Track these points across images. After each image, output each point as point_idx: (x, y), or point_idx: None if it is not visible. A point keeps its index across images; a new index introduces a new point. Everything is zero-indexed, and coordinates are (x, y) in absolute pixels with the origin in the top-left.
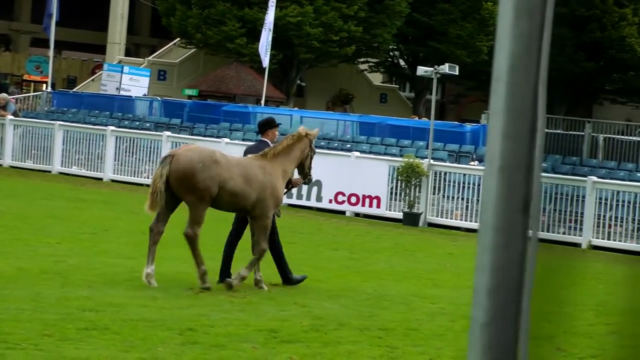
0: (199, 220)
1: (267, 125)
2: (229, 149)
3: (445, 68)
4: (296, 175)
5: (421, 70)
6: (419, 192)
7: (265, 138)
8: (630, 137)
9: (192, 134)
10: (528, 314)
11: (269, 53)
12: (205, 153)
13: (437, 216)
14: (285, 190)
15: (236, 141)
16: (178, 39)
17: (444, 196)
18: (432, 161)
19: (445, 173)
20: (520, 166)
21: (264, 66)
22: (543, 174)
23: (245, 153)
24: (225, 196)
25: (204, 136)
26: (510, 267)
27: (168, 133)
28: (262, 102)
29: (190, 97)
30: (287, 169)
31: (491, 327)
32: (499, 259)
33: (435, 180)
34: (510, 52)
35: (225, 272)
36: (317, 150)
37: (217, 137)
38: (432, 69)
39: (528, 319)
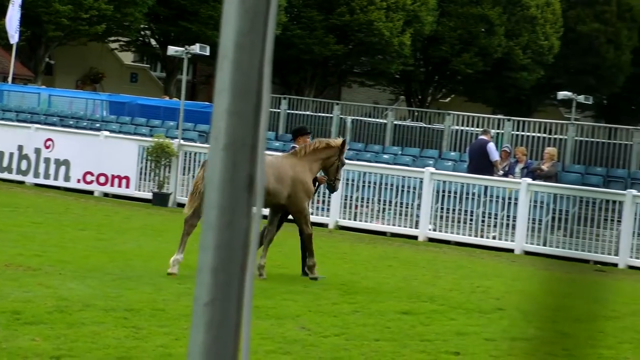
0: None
1: (299, 132)
2: None
3: (196, 48)
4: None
5: (172, 50)
6: (169, 172)
7: (297, 144)
8: (377, 120)
9: None
10: (252, 292)
11: (18, 30)
12: None
13: (187, 197)
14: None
15: None
16: None
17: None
18: (182, 141)
19: (195, 153)
20: (244, 144)
21: (11, 43)
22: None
23: None
24: None
25: None
26: (234, 245)
27: None
28: (10, 79)
29: None
30: (312, 167)
31: (214, 305)
32: (223, 237)
33: (185, 160)
34: (236, 29)
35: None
36: (65, 129)
37: None
38: (183, 49)
39: (252, 297)
